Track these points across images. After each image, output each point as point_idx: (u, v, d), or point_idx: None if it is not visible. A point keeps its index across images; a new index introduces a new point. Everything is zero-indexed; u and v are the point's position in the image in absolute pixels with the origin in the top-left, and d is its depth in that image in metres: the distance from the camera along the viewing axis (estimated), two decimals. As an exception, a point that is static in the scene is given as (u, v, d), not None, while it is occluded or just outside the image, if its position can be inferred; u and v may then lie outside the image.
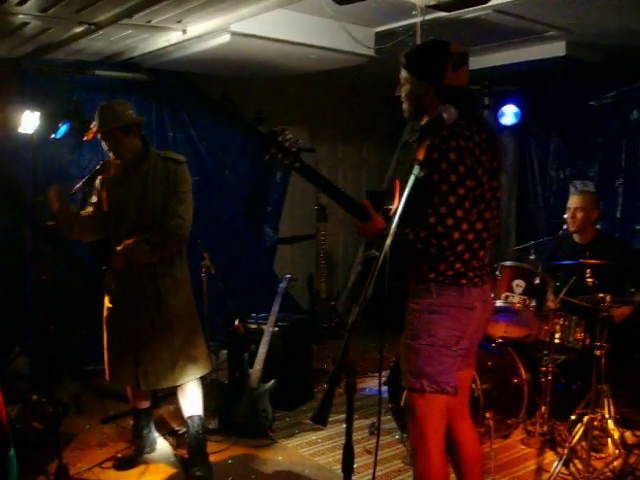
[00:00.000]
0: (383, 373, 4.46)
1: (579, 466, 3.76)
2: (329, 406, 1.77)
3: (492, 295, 4.20)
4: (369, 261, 2.56)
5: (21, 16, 4.14)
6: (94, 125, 3.72)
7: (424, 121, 2.65)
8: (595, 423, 3.73)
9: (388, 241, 1.84)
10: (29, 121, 4.87)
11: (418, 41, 4.43)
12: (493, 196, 2.60)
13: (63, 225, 3.79)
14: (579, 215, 4.60)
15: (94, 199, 3.91)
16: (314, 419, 1.80)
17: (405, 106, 2.72)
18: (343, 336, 6.81)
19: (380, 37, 5.16)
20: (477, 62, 6.09)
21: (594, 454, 3.82)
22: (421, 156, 1.93)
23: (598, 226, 5.16)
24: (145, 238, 3.63)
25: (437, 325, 2.57)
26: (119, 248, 3.64)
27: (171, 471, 3.98)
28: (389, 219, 1.90)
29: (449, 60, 2.55)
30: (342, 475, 1.96)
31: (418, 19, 4.42)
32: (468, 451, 2.87)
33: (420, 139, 2.10)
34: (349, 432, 1.87)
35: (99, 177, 3.85)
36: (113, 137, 3.67)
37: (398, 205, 1.88)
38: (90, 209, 3.92)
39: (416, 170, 1.91)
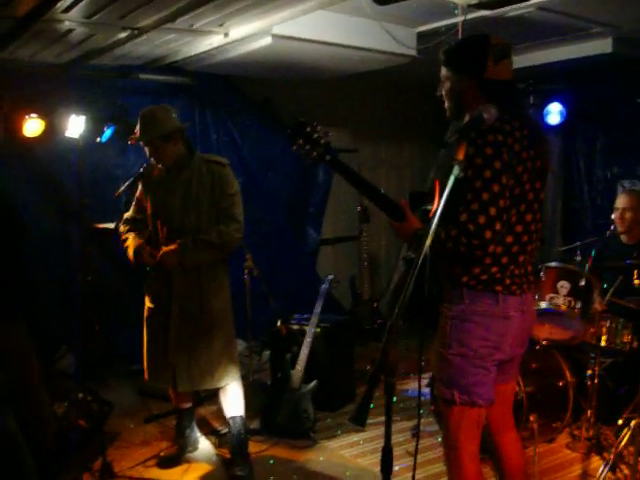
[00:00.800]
0: (426, 375, 4.44)
1: (626, 471, 3.67)
2: (367, 407, 1.76)
3: (535, 303, 4.19)
4: (409, 262, 2.49)
5: (67, 23, 4.22)
6: (136, 131, 3.76)
7: (466, 119, 2.55)
8: (643, 428, 3.65)
9: (428, 241, 1.83)
10: (75, 125, 4.99)
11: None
12: (536, 198, 2.49)
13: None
14: (628, 215, 4.52)
15: (140, 201, 3.95)
16: (352, 420, 1.79)
17: (447, 104, 2.63)
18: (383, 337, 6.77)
19: (422, 37, 5.12)
20: (521, 60, 6.01)
21: (642, 459, 3.72)
22: (461, 156, 1.91)
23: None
24: (202, 239, 3.66)
25: (469, 334, 2.47)
26: (174, 246, 3.65)
27: (213, 470, 4.01)
28: (428, 220, 1.88)
29: (489, 52, 2.44)
30: (382, 477, 1.94)
31: (460, 18, 4.38)
32: (512, 463, 2.79)
33: (460, 139, 2.06)
34: (388, 434, 1.85)
35: (141, 181, 3.89)
36: (154, 145, 3.71)
37: (438, 206, 1.86)
38: (132, 210, 3.98)
39: (456, 170, 1.88)
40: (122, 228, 3.94)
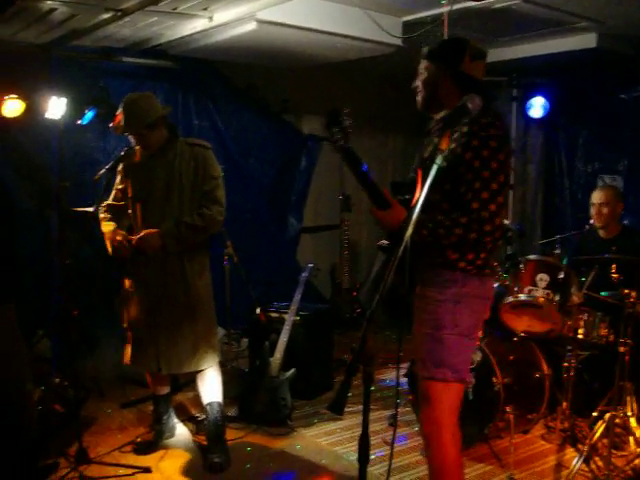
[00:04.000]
0: (403, 365, 4.46)
1: (599, 463, 3.71)
2: (345, 395, 1.76)
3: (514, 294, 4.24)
4: (385, 250, 2.53)
5: (49, 2, 4.16)
6: (120, 121, 3.71)
7: (442, 111, 2.71)
8: (617, 420, 3.68)
9: (409, 231, 1.82)
10: (56, 107, 4.90)
11: (446, 31, 4.38)
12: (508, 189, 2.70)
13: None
14: (605, 210, 4.56)
15: (120, 186, 3.93)
16: (330, 408, 1.79)
17: (420, 95, 2.78)
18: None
19: (407, 27, 5.11)
20: (505, 53, 6.03)
21: (615, 452, 3.75)
22: (444, 146, 1.90)
23: (626, 221, 5.10)
24: (186, 222, 3.65)
25: (461, 315, 2.59)
26: (157, 230, 3.64)
27: (189, 457, 4.00)
28: (410, 209, 1.87)
29: (467, 49, 2.63)
30: (359, 465, 1.94)
31: (446, 9, 4.37)
32: None
33: (444, 128, 2.07)
34: (365, 423, 1.85)
35: (122, 164, 3.86)
36: (139, 134, 3.69)
37: (420, 195, 1.85)
38: (118, 196, 3.94)
39: (439, 160, 1.88)
40: (102, 216, 3.90)
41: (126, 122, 3.67)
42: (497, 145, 2.45)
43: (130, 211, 3.81)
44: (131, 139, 3.75)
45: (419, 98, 2.79)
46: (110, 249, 3.78)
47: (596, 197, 4.64)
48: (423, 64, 2.75)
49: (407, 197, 2.52)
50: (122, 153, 3.82)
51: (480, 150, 2.44)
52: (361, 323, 1.86)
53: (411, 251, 1.90)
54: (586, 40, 5.48)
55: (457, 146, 2.41)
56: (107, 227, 3.81)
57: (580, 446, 3.99)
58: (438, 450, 2.64)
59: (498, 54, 6.08)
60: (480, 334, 2.80)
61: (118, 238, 3.73)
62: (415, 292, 2.69)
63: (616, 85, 6.34)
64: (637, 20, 4.94)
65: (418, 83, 2.77)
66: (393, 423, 4.35)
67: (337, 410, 1.77)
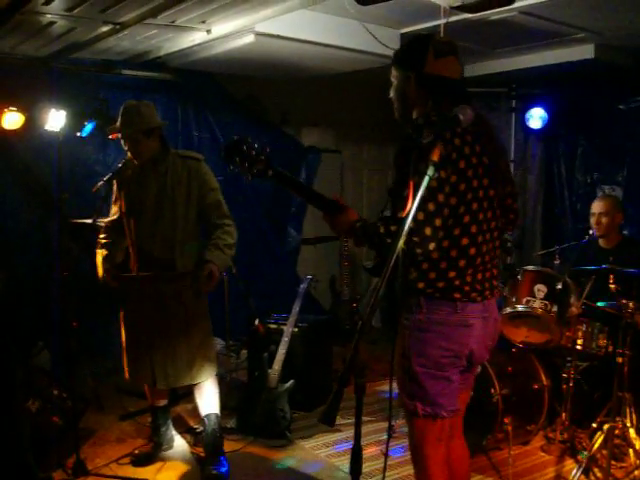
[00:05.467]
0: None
1: (599, 475, 3.70)
2: (337, 406, 1.74)
3: (511, 305, 4.19)
4: (369, 271, 2.47)
5: (48, 16, 4.19)
6: (118, 123, 3.73)
7: (414, 117, 2.51)
8: (616, 432, 3.67)
9: (400, 242, 1.82)
10: (55, 119, 4.93)
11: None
12: (486, 195, 2.42)
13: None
14: (604, 220, 4.56)
15: (116, 201, 3.94)
16: (322, 419, 1.77)
17: (395, 105, 2.61)
18: (365, 339, 6.76)
19: (405, 39, 5.13)
20: (503, 64, 6.05)
21: (614, 463, 3.74)
22: (436, 157, 1.90)
23: (625, 232, 5.09)
24: (223, 244, 3.69)
25: (428, 345, 2.40)
26: (211, 263, 3.60)
27: (187, 469, 3.99)
28: (402, 220, 1.87)
29: (430, 47, 2.42)
30: (351, 478, 1.94)
31: (442, 20, 4.39)
32: (457, 469, 2.74)
33: (435, 140, 2.05)
34: (358, 435, 1.84)
35: (115, 181, 3.85)
36: (135, 139, 3.69)
37: (411, 206, 1.85)
38: (114, 209, 3.95)
39: (430, 171, 1.87)
40: (101, 236, 3.93)
41: (124, 123, 3.68)
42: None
43: (125, 226, 3.81)
44: (124, 145, 3.74)
45: (394, 109, 2.62)
46: (100, 277, 3.84)
47: (596, 207, 4.64)
48: (392, 71, 2.60)
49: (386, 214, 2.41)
50: (119, 165, 3.83)
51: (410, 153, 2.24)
52: (355, 334, 1.84)
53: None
54: (584, 51, 5.51)
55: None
56: (98, 255, 3.87)
57: (579, 457, 3.97)
58: (423, 477, 2.56)
59: (496, 65, 6.12)
60: (462, 364, 2.50)
61: (100, 274, 3.82)
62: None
63: (614, 96, 6.35)
64: (634, 31, 4.96)
65: (391, 94, 2.61)
66: (388, 434, 4.33)
67: (328, 421, 1.76)
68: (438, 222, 2.23)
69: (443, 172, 2.24)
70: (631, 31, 4.97)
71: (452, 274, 2.37)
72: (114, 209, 3.94)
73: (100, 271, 3.83)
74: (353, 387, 1.80)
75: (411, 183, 2.05)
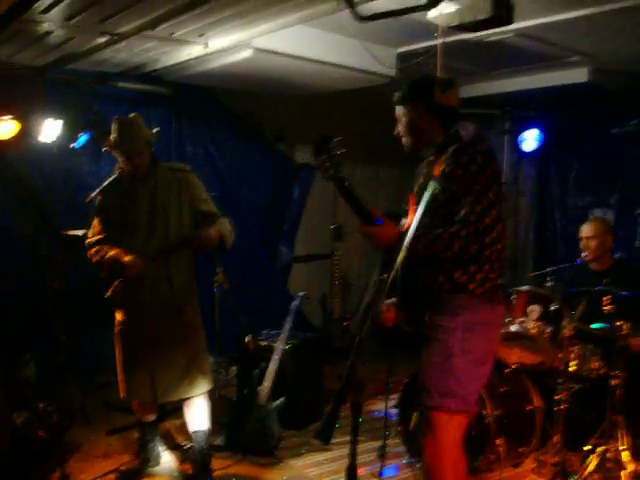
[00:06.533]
0: (393, 395, 4.41)
1: (591, 498, 3.66)
2: (333, 424, 1.72)
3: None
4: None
5: (45, 24, 4.18)
6: (112, 137, 3.68)
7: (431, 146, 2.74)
8: (608, 455, 3.64)
9: (401, 256, 1.80)
10: (50, 130, 4.90)
11: (440, 61, 4.40)
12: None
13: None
14: (592, 244, 4.54)
15: (101, 217, 3.82)
16: (317, 436, 1.74)
17: (404, 140, 2.84)
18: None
19: (402, 57, 5.15)
20: (498, 86, 6.08)
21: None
22: (437, 172, 1.90)
23: (617, 255, 5.09)
24: (225, 223, 3.72)
25: (473, 344, 2.57)
26: (213, 231, 3.63)
27: (174, 486, 3.93)
28: (402, 234, 1.85)
29: (435, 83, 2.72)
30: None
31: (439, 40, 4.40)
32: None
33: (436, 155, 2.06)
34: (353, 454, 1.81)
35: (99, 198, 3.79)
36: (140, 152, 3.66)
37: (412, 220, 1.83)
38: (97, 226, 3.83)
39: (432, 186, 1.87)
40: (93, 251, 3.76)
41: (127, 138, 3.62)
42: (484, 160, 2.50)
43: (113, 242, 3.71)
44: (125, 159, 3.67)
45: (405, 142, 2.85)
46: (109, 264, 3.62)
47: (584, 231, 4.62)
48: (399, 110, 2.84)
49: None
50: (112, 178, 3.77)
51: (469, 165, 2.47)
52: (350, 351, 1.83)
53: (416, 278, 1.90)
54: (578, 74, 5.55)
55: (447, 165, 2.43)
56: (109, 252, 3.65)
57: (571, 481, 3.93)
58: (437, 477, 2.62)
59: (491, 87, 6.14)
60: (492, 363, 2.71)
61: (126, 259, 3.56)
62: (424, 321, 2.66)
63: (608, 120, 6.39)
64: (628, 56, 5.01)
65: (399, 129, 2.84)
66: (382, 454, 4.29)
67: (324, 438, 1.73)
68: (494, 213, 2.48)
69: (488, 171, 2.51)
70: (625, 56, 5.02)
71: (493, 276, 2.59)
72: (97, 226, 3.81)
73: (123, 258, 3.57)
74: (348, 405, 1.77)
75: (411, 197, 2.05)
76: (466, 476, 2.74)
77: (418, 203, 1.86)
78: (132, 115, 3.77)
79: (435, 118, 2.71)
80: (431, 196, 1.90)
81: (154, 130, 3.79)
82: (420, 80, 2.85)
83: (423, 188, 1.92)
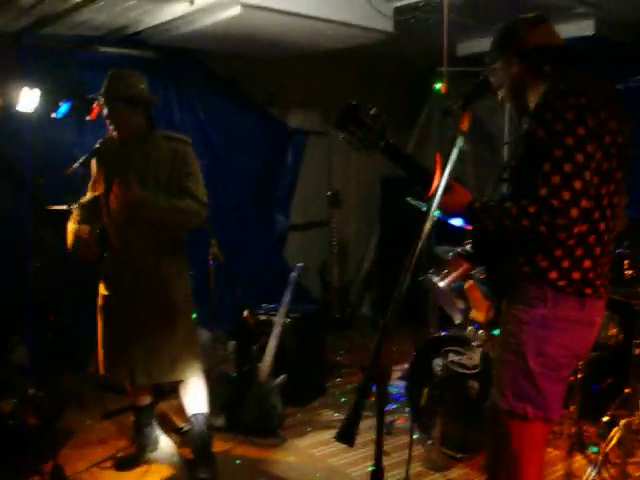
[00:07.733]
0: (398, 367, 4.24)
1: (611, 471, 3.48)
2: (357, 422, 1.49)
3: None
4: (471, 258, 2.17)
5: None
6: (101, 93, 3.48)
7: (531, 105, 2.28)
8: (633, 426, 3.47)
9: (427, 225, 1.57)
10: (28, 99, 4.63)
11: (445, 16, 4.15)
12: (622, 178, 2.21)
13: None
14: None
15: (93, 179, 3.66)
16: (339, 437, 1.51)
17: (510, 102, 2.39)
18: (356, 328, 6.57)
19: (400, 11, 4.88)
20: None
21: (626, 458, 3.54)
22: (465, 126, 1.65)
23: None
24: (166, 197, 3.37)
25: (550, 343, 2.18)
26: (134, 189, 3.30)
27: (174, 472, 3.76)
28: (429, 200, 1.62)
29: (519, 22, 2.29)
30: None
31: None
32: None
33: (464, 107, 1.79)
34: (379, 457, 1.57)
35: (94, 160, 3.59)
36: (114, 107, 3.43)
37: (439, 182, 1.60)
38: (89, 194, 3.66)
39: (460, 142, 1.62)
40: (74, 214, 3.60)
41: (105, 88, 3.47)
42: (575, 117, 2.01)
43: (102, 207, 3.54)
44: (105, 118, 3.49)
45: (511, 106, 2.42)
46: (71, 247, 3.52)
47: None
48: (493, 69, 2.40)
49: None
50: (96, 146, 3.54)
51: (553, 123, 2.02)
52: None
53: (492, 255, 1.59)
54: (584, 27, 5.34)
55: (528, 124, 2.05)
56: (71, 226, 3.54)
57: (589, 453, 3.77)
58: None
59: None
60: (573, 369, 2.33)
61: (83, 235, 3.44)
62: (501, 308, 2.31)
63: (613, 75, 6.16)
64: (635, 6, 4.78)
65: (500, 94, 2.40)
66: (391, 432, 4.13)
67: (347, 440, 1.50)
68: (578, 185, 1.97)
69: (582, 129, 2.01)
70: (631, 6, 4.80)
71: (587, 264, 2.14)
72: (89, 194, 3.65)
73: (70, 238, 3.50)
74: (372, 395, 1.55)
75: (437, 156, 1.79)
76: None
77: (445, 162, 1.61)
78: (128, 70, 3.59)
79: (532, 65, 2.27)
80: (458, 154, 1.62)
81: (148, 94, 3.59)
82: (502, 29, 2.39)
83: (450, 145, 1.66)
